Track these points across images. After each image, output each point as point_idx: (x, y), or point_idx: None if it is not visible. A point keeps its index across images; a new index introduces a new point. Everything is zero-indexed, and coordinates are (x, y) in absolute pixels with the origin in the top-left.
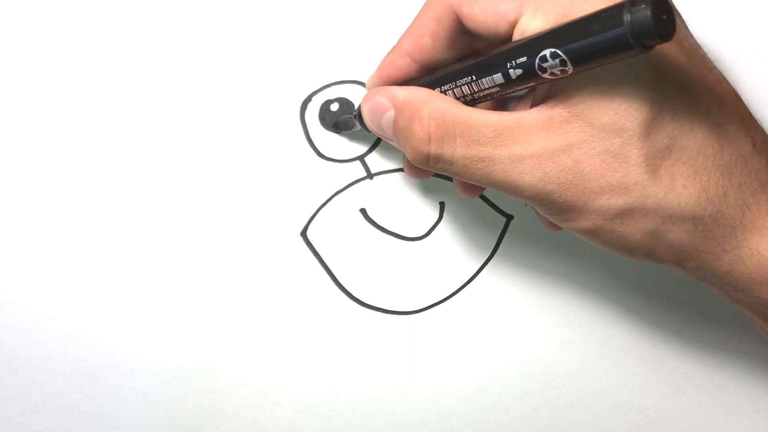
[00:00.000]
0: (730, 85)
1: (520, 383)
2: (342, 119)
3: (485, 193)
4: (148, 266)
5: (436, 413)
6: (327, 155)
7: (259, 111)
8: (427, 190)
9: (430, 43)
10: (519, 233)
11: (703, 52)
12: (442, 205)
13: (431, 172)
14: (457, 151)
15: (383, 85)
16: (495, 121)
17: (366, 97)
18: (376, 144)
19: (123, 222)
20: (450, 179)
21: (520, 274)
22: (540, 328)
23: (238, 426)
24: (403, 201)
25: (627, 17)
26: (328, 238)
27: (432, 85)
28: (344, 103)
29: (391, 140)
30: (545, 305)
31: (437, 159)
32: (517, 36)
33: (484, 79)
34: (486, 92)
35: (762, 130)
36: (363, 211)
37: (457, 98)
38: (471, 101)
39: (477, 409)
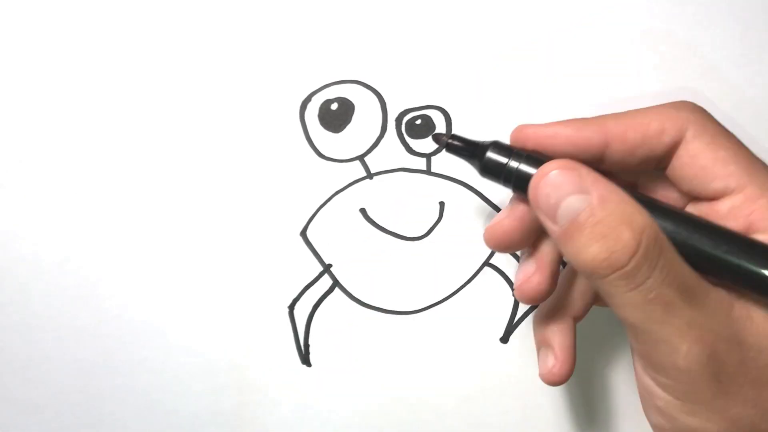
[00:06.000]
0: None
1: (520, 383)
2: (436, 136)
3: (485, 193)
4: (148, 266)
5: (436, 413)
6: (327, 155)
7: (259, 111)
8: (427, 190)
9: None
10: None
11: None
12: (442, 205)
13: (551, 289)
14: (652, 279)
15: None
16: (697, 283)
17: (552, 163)
18: (376, 144)
19: (123, 222)
20: (449, 179)
21: None
22: None
23: (238, 426)
24: (403, 201)
25: None
26: (328, 238)
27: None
28: (344, 103)
29: (551, 225)
30: None
31: (626, 276)
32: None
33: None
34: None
35: None
36: (363, 211)
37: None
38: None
39: (477, 409)
